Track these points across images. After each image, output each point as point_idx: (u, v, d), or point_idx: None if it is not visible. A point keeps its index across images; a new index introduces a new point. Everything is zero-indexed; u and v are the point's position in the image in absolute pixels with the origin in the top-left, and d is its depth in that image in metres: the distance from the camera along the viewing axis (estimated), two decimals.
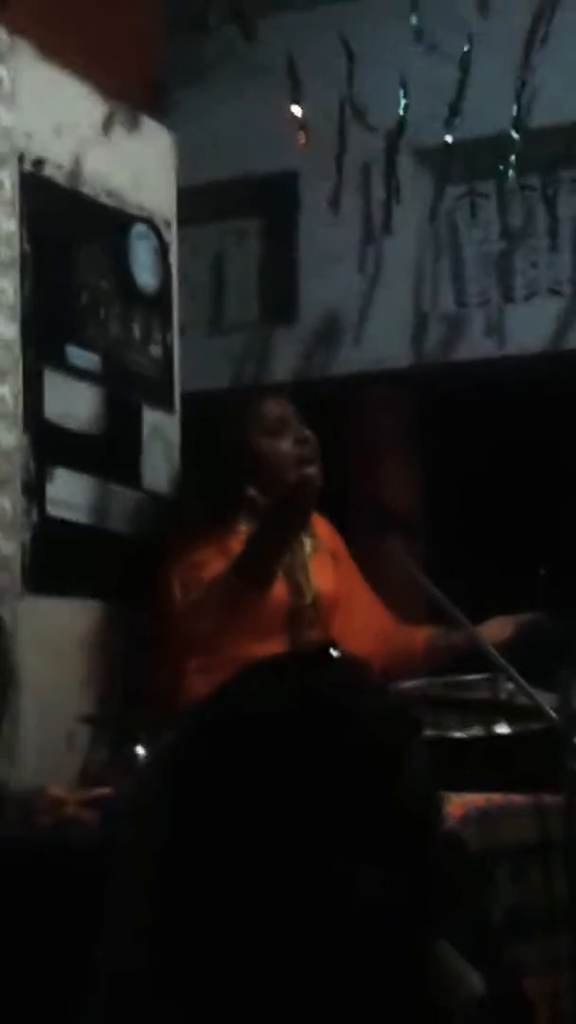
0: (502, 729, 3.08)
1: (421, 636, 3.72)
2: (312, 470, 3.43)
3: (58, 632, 3.53)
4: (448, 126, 4.52)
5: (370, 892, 1.14)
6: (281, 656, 1.49)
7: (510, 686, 3.10)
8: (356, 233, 4.87)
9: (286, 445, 3.53)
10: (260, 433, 3.54)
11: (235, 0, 4.25)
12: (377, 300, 4.85)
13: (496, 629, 3.50)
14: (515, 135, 4.45)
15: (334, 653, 1.28)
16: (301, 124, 4.35)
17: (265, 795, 1.19)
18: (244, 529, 3.49)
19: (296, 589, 3.55)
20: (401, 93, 4.51)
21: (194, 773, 1.24)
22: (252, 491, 3.52)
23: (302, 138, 4.35)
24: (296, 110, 4.34)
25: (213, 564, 3.41)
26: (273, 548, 3.35)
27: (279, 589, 3.48)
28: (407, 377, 4.82)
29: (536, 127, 4.51)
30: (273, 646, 3.47)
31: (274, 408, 3.58)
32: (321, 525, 3.71)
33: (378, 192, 4.79)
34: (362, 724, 1.20)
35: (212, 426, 3.66)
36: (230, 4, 4.27)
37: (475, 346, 4.79)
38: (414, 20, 4.43)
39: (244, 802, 1.21)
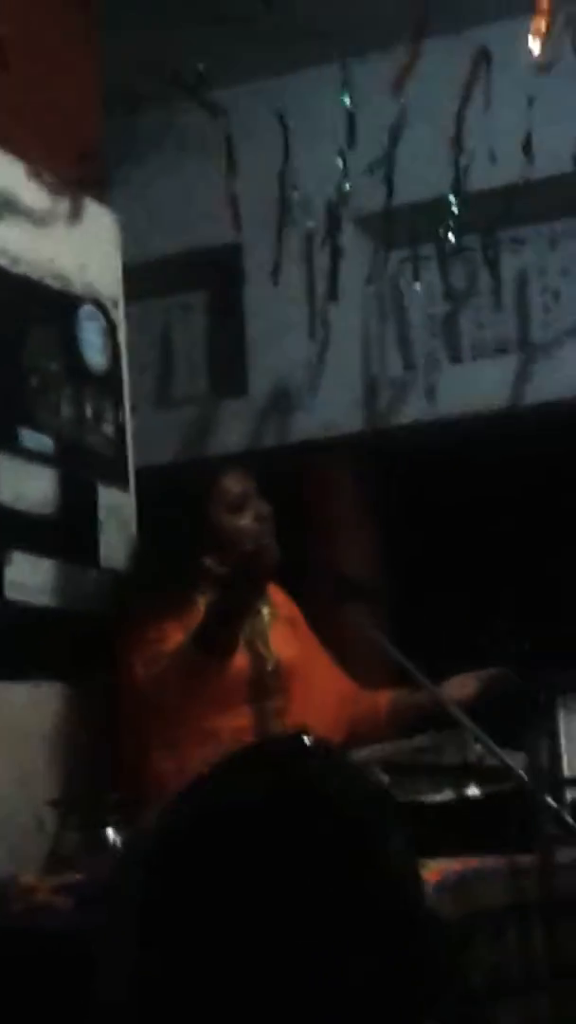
0: (473, 792, 3.08)
1: (384, 699, 3.72)
2: (269, 542, 3.46)
3: (22, 715, 3.50)
4: (386, 194, 4.56)
5: (359, 982, 1.14)
6: (255, 747, 1.49)
7: (479, 746, 3.10)
8: (301, 302, 4.91)
9: (246, 521, 3.55)
10: (221, 509, 3.56)
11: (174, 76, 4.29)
12: (326, 367, 4.89)
13: (459, 686, 3.51)
14: (452, 199, 4.50)
15: (307, 740, 1.28)
16: (235, 200, 4.39)
17: (248, 889, 1.19)
18: (202, 601, 3.49)
19: (256, 657, 3.55)
20: (340, 163, 4.55)
21: (174, 872, 1.24)
22: (210, 563, 3.53)
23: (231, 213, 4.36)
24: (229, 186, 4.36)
25: (172, 637, 3.41)
26: (233, 617, 3.36)
27: (240, 658, 3.48)
28: (359, 442, 4.85)
29: (474, 190, 4.57)
30: (236, 716, 3.48)
31: (235, 484, 3.60)
32: (277, 593, 3.73)
33: (321, 261, 4.83)
34: (340, 813, 1.20)
35: (171, 501, 3.68)
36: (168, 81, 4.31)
37: (425, 408, 4.83)
38: (346, 100, 4.48)
39: (228, 897, 1.21)
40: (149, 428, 4.45)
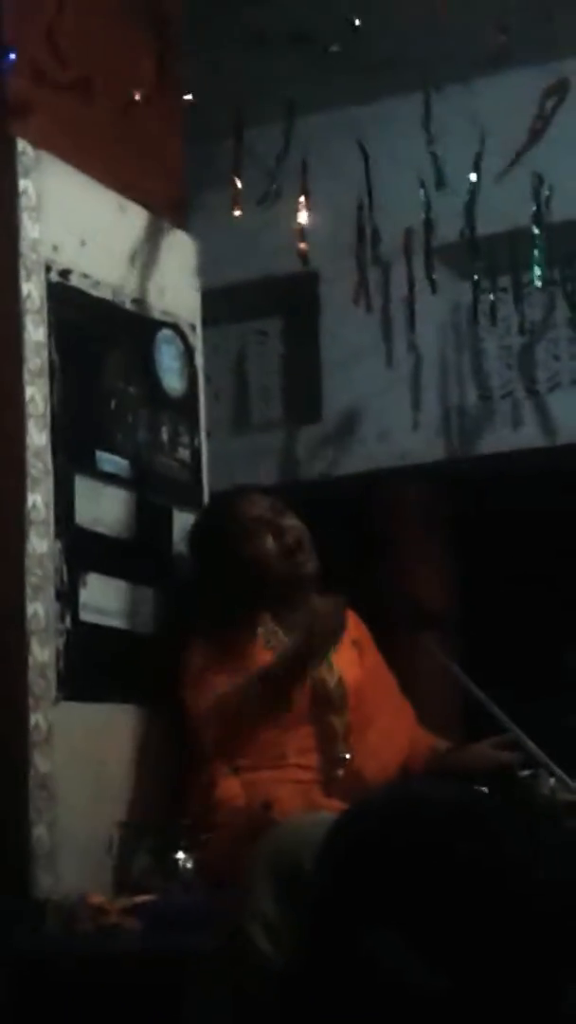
0: None
1: (427, 743, 3.69)
2: (298, 558, 3.52)
3: (97, 737, 3.52)
4: (466, 225, 4.56)
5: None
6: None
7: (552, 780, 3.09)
8: (376, 330, 4.91)
9: (268, 543, 3.58)
10: (240, 539, 3.59)
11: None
12: (400, 396, 4.88)
13: (480, 756, 3.49)
14: (536, 230, 4.49)
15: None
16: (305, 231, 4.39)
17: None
18: (261, 633, 3.56)
19: (320, 677, 3.56)
20: (421, 193, 4.55)
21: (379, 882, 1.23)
22: (252, 589, 3.56)
23: (303, 245, 4.37)
24: (303, 217, 4.37)
25: (226, 667, 3.47)
26: (297, 672, 3.38)
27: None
28: (434, 471, 4.84)
29: (554, 222, 4.56)
30: (299, 735, 3.49)
31: (248, 509, 3.63)
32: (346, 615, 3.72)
33: (397, 289, 4.84)
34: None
35: (200, 536, 3.72)
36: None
37: (500, 438, 4.82)
38: (429, 131, 4.48)
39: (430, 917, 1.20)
40: (225, 454, 4.46)
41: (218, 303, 4.43)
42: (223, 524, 3.64)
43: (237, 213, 4.05)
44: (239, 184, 4.06)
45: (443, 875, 1.26)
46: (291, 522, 3.60)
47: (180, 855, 3.21)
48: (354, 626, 3.71)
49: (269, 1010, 1.90)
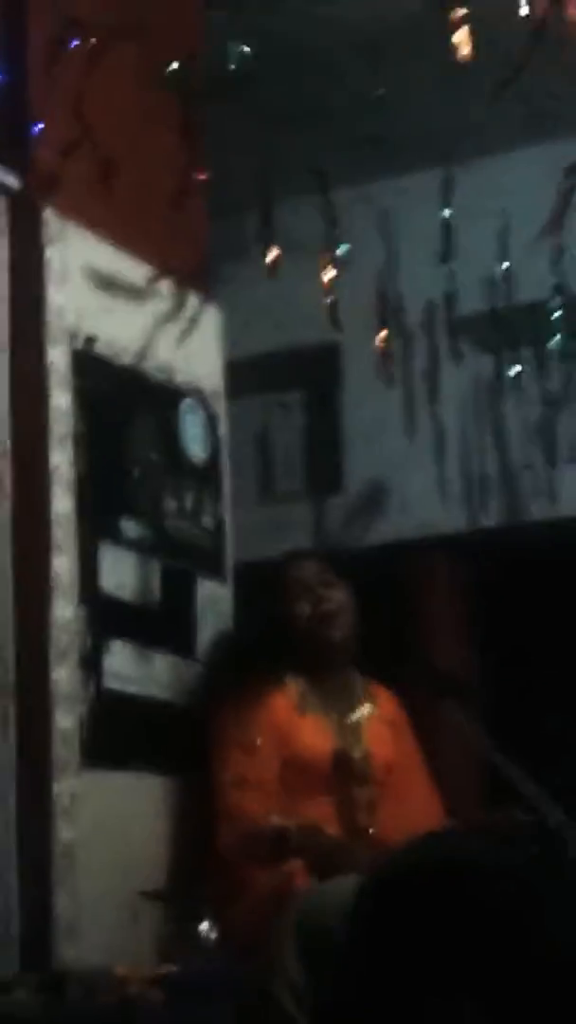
0: None
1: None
2: (329, 625, 3.61)
3: (120, 805, 3.49)
4: (489, 298, 4.58)
5: None
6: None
7: None
8: (398, 403, 4.92)
9: (306, 607, 3.65)
10: (285, 599, 3.67)
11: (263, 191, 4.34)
12: (421, 467, 4.89)
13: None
14: (557, 301, 4.51)
15: None
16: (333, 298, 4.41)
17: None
18: (288, 683, 3.60)
19: (344, 747, 3.58)
20: (442, 266, 4.58)
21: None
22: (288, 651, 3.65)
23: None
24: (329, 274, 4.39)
25: (257, 736, 3.51)
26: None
27: (325, 748, 3.55)
28: (455, 541, 4.83)
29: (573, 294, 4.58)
30: (321, 804, 3.48)
31: (295, 572, 3.72)
32: (382, 694, 3.75)
33: (419, 362, 4.86)
34: None
35: (260, 594, 3.81)
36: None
37: (523, 510, 4.82)
38: (446, 213, 4.50)
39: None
40: (248, 524, 4.45)
41: (241, 375, 4.44)
42: (271, 586, 3.73)
43: (271, 270, 4.05)
44: (270, 252, 4.07)
45: (498, 937, 1.23)
46: (332, 592, 3.68)
47: (203, 924, 3.17)
48: (391, 706, 3.74)
49: None
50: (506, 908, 1.26)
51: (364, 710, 3.69)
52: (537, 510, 4.80)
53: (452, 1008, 1.21)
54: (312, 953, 2.04)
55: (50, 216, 3.61)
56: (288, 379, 5.09)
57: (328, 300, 4.45)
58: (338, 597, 3.67)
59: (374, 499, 4.89)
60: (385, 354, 4.58)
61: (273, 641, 3.68)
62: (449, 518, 4.83)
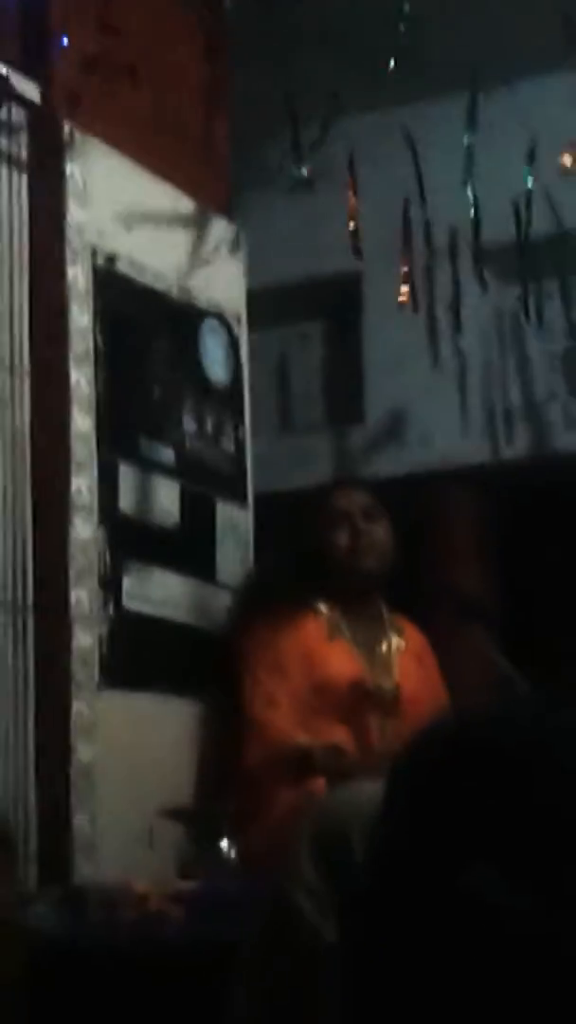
0: None
1: None
2: (362, 556, 3.57)
3: (137, 726, 3.47)
4: (515, 227, 4.50)
5: None
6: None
7: None
8: (420, 332, 4.86)
9: (343, 537, 3.60)
10: (323, 526, 3.63)
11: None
12: (443, 398, 4.84)
13: None
14: None
15: None
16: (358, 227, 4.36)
17: None
18: (320, 609, 3.58)
19: (377, 679, 3.58)
20: (469, 194, 4.51)
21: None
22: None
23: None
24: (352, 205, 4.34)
25: (287, 670, 3.49)
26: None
27: (354, 675, 3.53)
28: (477, 472, 4.79)
29: None
30: (344, 730, 3.47)
31: (337, 500, 3.68)
32: (410, 628, 3.73)
33: (443, 291, 4.79)
34: None
35: (294, 518, 3.79)
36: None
37: (546, 442, 4.77)
38: (468, 134, 4.44)
39: None
40: (268, 455, 4.41)
41: (260, 305, 4.39)
42: (312, 510, 3.70)
43: (305, 185, 4.00)
44: (302, 169, 4.02)
45: (535, 797, 1.19)
46: (372, 526, 3.65)
47: (224, 842, 3.15)
48: (416, 639, 3.73)
49: (319, 982, 1.84)
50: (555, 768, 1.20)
51: (395, 643, 3.67)
52: (560, 442, 4.74)
53: (493, 881, 1.17)
54: (330, 859, 2.02)
55: (71, 131, 3.56)
56: (308, 309, 5.04)
57: (350, 227, 4.41)
58: (377, 532, 3.64)
59: (395, 430, 4.84)
60: (408, 282, 4.52)
61: (306, 566, 3.66)
62: (471, 450, 4.78)
